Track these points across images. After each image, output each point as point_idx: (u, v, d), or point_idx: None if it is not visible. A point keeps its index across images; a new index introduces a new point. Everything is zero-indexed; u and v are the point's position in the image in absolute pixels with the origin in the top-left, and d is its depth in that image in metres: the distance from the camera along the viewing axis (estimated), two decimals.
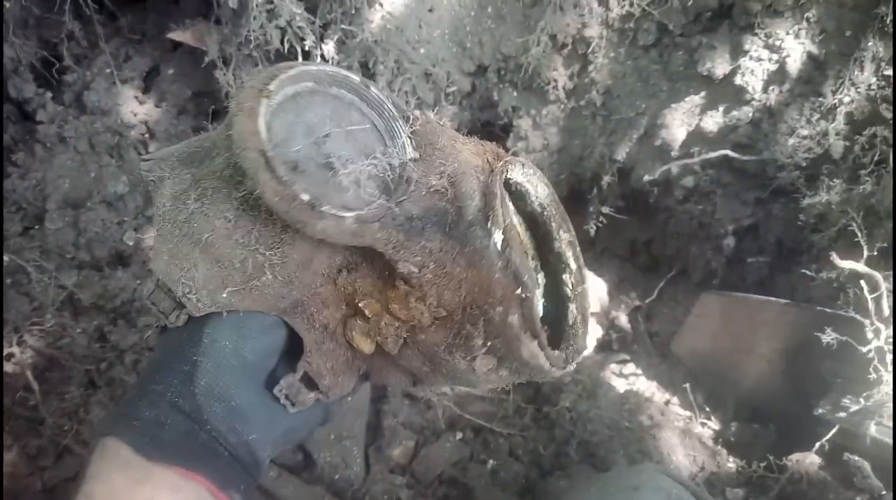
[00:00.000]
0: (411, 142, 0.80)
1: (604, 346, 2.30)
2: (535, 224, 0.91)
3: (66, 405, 2.02)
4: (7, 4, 2.30)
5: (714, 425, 1.98)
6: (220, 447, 0.76)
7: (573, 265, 0.88)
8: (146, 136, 2.58)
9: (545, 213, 0.89)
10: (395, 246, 0.76)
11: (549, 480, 1.80)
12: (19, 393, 2.01)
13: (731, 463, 1.84)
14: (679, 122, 1.98)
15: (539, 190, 0.88)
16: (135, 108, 2.56)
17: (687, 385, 2.00)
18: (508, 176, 0.82)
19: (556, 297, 0.88)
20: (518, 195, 0.88)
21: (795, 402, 1.82)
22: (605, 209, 2.22)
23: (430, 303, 0.77)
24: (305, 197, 0.72)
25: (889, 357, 1.54)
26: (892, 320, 1.56)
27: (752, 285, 2.07)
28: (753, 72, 1.85)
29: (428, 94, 2.24)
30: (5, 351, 2.03)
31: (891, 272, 1.57)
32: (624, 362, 2.24)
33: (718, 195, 2.00)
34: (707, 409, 2.02)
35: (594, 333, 2.15)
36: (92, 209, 2.33)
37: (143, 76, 2.62)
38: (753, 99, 1.87)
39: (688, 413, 2.02)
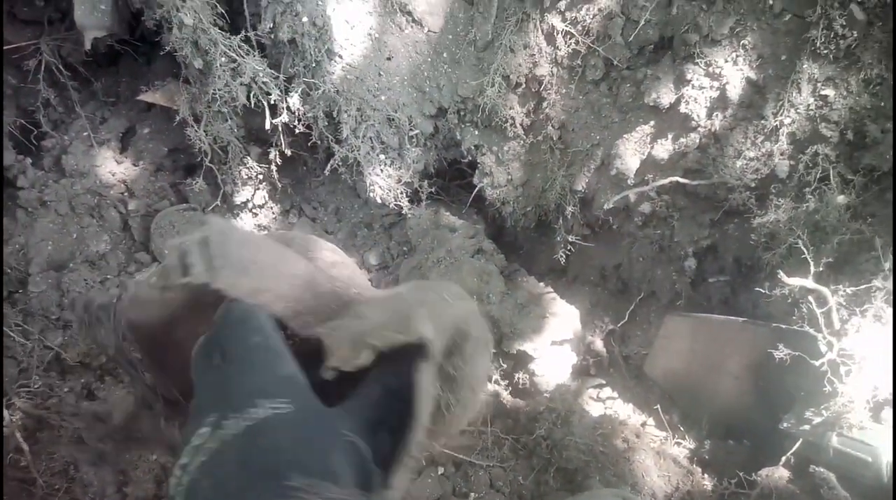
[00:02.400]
0: None
1: (580, 371, 2.34)
2: None
3: (55, 465, 2.06)
4: None
5: (689, 444, 2.01)
6: None
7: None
8: (125, 194, 2.65)
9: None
10: None
11: None
12: (10, 455, 2.05)
13: (706, 481, 1.87)
14: (632, 151, 2.04)
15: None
16: (113, 168, 2.64)
17: (658, 407, 2.04)
18: None
19: None
20: None
21: (765, 416, 1.86)
22: (572, 238, 2.28)
23: None
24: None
25: (843, 369, 1.58)
26: (842, 332, 1.60)
27: (717, 303, 2.12)
28: (697, 100, 1.92)
29: (392, 138, 2.31)
30: None
31: (839, 287, 1.61)
32: (600, 386, 2.28)
33: (675, 219, 2.06)
34: (682, 428, 2.05)
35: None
36: (74, 270, 2.40)
37: (119, 137, 2.70)
38: (699, 125, 1.94)
39: (663, 434, 2.05)
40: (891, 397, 1.57)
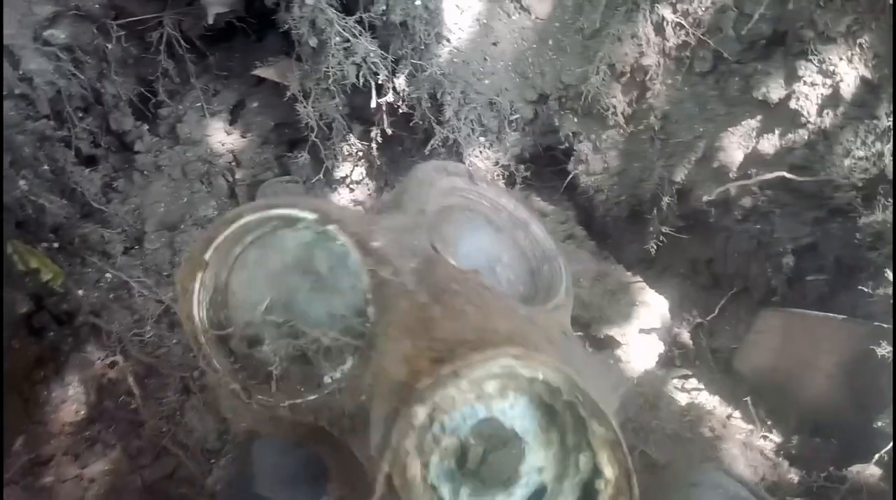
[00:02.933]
0: (368, 301, 0.72)
1: (665, 362, 2.36)
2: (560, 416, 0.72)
3: (163, 409, 2.20)
4: (109, 46, 2.54)
5: (775, 438, 2.02)
6: None
7: (610, 473, 0.67)
8: (233, 164, 2.79)
9: (564, 399, 0.69)
10: (338, 435, 0.74)
11: None
12: (121, 397, 2.21)
13: (792, 474, 1.88)
14: (736, 144, 2.05)
15: (547, 375, 0.68)
16: (223, 138, 2.78)
17: (748, 399, 2.05)
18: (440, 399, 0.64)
19: (589, 490, 0.70)
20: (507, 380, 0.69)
21: (856, 415, 1.86)
22: (665, 229, 2.30)
23: None
24: (236, 387, 0.74)
25: None
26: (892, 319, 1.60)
27: (812, 302, 2.11)
28: (808, 96, 1.92)
29: (492, 121, 2.37)
30: (109, 360, 2.23)
31: None
32: (686, 377, 2.30)
33: (777, 215, 2.06)
34: (768, 422, 2.06)
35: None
36: (185, 231, 2.54)
37: (230, 109, 2.84)
38: (809, 122, 1.93)
39: (749, 427, 2.06)
40: None
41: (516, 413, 0.69)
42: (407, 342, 0.66)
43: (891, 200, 1.78)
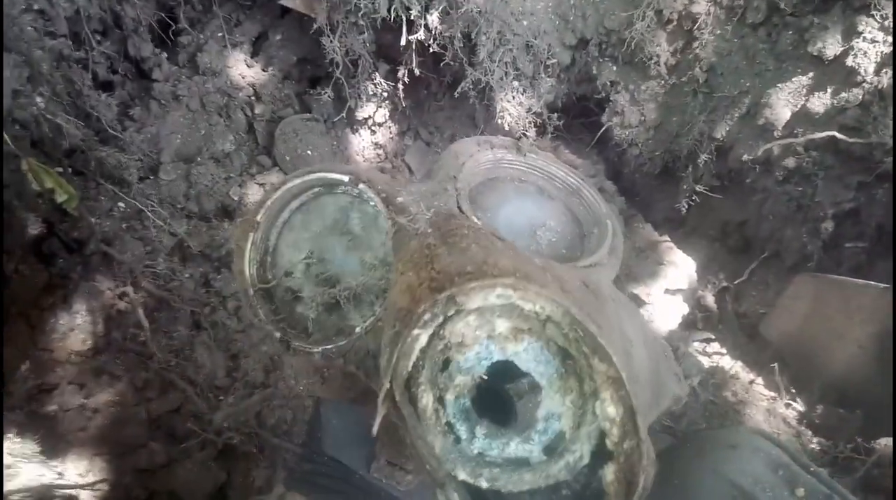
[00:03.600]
0: (391, 242, 0.82)
1: (688, 324, 2.30)
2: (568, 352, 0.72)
3: (173, 343, 2.16)
4: None
5: (799, 406, 1.97)
6: (373, 488, 0.96)
7: (613, 412, 0.66)
8: (252, 98, 2.69)
9: (570, 336, 0.69)
10: (364, 378, 0.82)
11: None
12: (130, 329, 2.16)
13: (815, 444, 1.83)
14: (784, 102, 1.96)
15: (545, 307, 0.68)
16: (243, 71, 2.68)
17: (775, 365, 1.99)
18: (444, 318, 0.66)
19: (602, 448, 0.69)
20: (507, 312, 0.69)
21: (886, 388, 1.80)
22: (699, 188, 2.22)
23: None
24: (277, 335, 0.84)
25: None
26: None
27: (847, 270, 2.04)
28: (866, 53, 1.82)
29: (528, 65, 2.27)
30: (119, 290, 2.18)
31: None
32: (708, 340, 2.24)
33: (820, 178, 1.97)
34: (793, 390, 2.00)
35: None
36: (202, 164, 2.47)
37: (252, 41, 2.74)
38: (865, 81, 1.84)
39: (772, 394, 2.01)
40: None
41: (531, 357, 0.70)
42: (412, 274, 0.71)
43: None
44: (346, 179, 0.84)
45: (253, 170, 2.59)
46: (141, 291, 2.20)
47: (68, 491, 1.88)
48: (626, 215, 2.43)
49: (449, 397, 0.68)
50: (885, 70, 1.81)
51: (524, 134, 2.34)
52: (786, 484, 1.11)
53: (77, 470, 1.94)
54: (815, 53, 1.88)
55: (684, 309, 2.23)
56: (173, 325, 2.19)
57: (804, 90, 1.93)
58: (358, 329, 0.81)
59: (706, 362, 2.14)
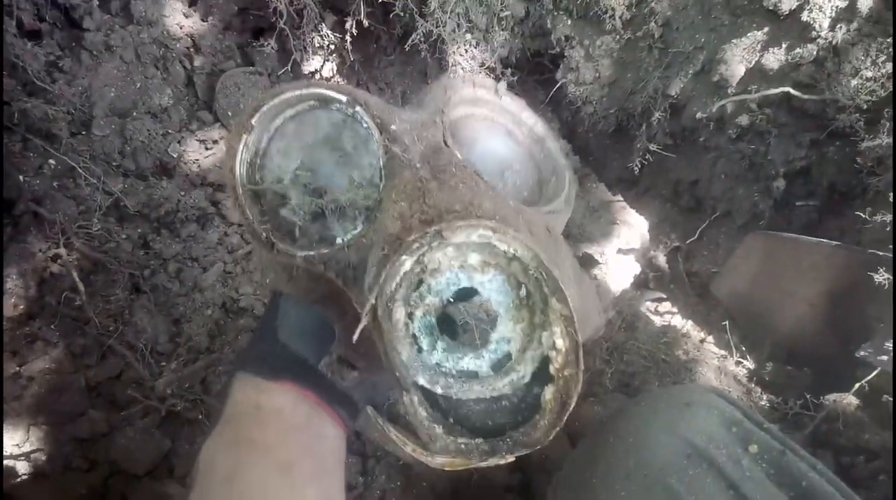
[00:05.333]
0: (381, 175, 0.85)
1: (640, 284, 2.30)
2: (532, 287, 0.81)
3: (110, 307, 2.06)
4: None
5: (749, 364, 1.99)
6: (321, 376, 1.00)
7: (561, 344, 0.76)
8: (191, 50, 2.56)
9: (532, 274, 0.78)
10: (342, 285, 0.85)
11: (582, 405, 1.82)
12: (65, 293, 2.05)
13: (765, 401, 1.85)
14: (739, 58, 1.93)
15: (517, 250, 0.77)
16: (181, 20, 2.54)
17: (726, 323, 2.00)
18: (427, 249, 0.75)
19: (546, 363, 0.79)
20: (483, 251, 0.79)
21: (835, 345, 1.83)
22: (653, 147, 2.19)
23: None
24: (262, 235, 0.86)
25: None
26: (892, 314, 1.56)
27: (798, 228, 2.05)
28: (822, 8, 1.80)
29: (480, 17, 2.19)
30: (52, 252, 2.06)
31: None
32: (660, 300, 2.25)
33: (773, 135, 1.96)
34: (743, 349, 2.02)
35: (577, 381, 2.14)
36: (138, 119, 2.34)
37: None
38: (819, 37, 1.82)
39: (723, 352, 2.03)
40: None
41: (493, 288, 0.79)
42: (403, 204, 0.78)
43: None
44: (343, 99, 0.85)
45: (193, 126, 2.47)
46: (75, 252, 2.08)
47: (5, 462, 1.80)
48: (581, 175, 2.40)
49: (418, 313, 0.79)
50: (839, 26, 1.79)
51: (501, 75, 2.27)
52: (739, 441, 1.11)
53: (13, 441, 1.85)
54: (771, 8, 1.85)
55: (636, 269, 2.23)
56: (111, 288, 2.09)
57: (759, 46, 1.91)
58: (339, 240, 0.85)
59: (658, 321, 2.15)
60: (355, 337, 0.72)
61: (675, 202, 2.40)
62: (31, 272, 2.03)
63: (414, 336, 0.79)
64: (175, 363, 2.01)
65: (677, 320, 2.16)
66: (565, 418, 0.75)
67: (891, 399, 1.63)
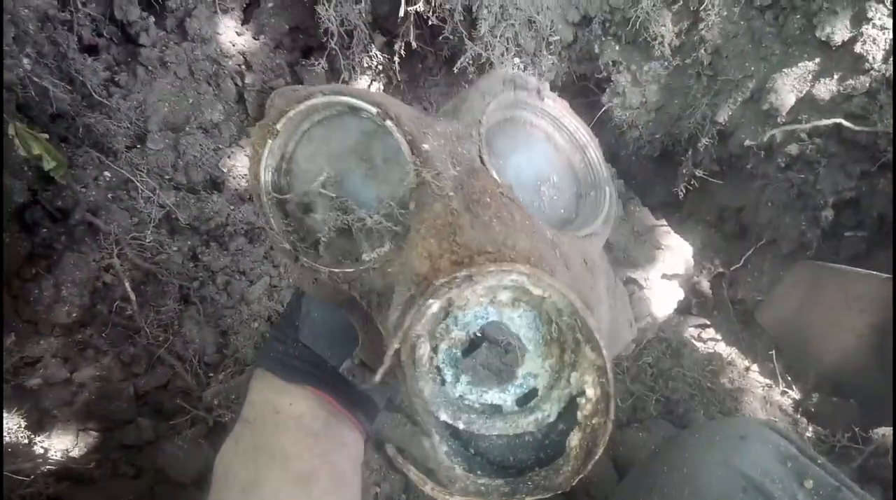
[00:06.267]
0: (412, 195, 0.79)
1: (683, 309, 2.30)
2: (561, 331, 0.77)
3: (160, 318, 2.10)
4: None
5: (794, 395, 1.98)
6: (341, 379, 0.98)
7: (592, 393, 0.73)
8: (243, 67, 2.62)
9: (566, 320, 0.74)
10: (365, 307, 0.82)
11: (627, 431, 1.82)
12: (116, 303, 2.09)
13: (811, 432, 1.84)
14: (789, 87, 1.94)
15: (552, 296, 0.72)
16: (233, 38, 2.60)
17: (772, 353, 1.99)
18: (455, 296, 0.70)
19: (572, 413, 0.75)
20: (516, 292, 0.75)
21: (883, 378, 1.81)
22: (699, 172, 2.20)
23: None
24: (286, 246, 0.83)
25: None
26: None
27: (845, 259, 2.03)
28: (875, 40, 1.80)
29: (529, 42, 2.23)
30: (105, 262, 2.11)
31: None
32: (703, 326, 2.24)
33: (822, 165, 1.96)
34: (788, 378, 2.01)
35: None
36: (190, 134, 2.40)
37: (242, 7, 2.65)
38: (872, 69, 1.82)
39: (768, 381, 2.01)
40: None
41: (523, 323, 0.76)
42: (433, 241, 0.73)
43: None
44: (374, 110, 0.80)
45: (242, 141, 2.52)
46: (127, 263, 2.13)
47: (54, 466, 1.84)
48: (624, 199, 2.40)
49: (443, 346, 0.75)
50: (892, 58, 1.79)
51: (532, 64, 2.29)
52: (795, 476, 1.10)
53: (63, 445, 1.89)
54: (823, 39, 1.86)
55: (680, 294, 2.23)
56: (161, 299, 2.14)
57: (810, 76, 1.91)
58: (365, 257, 0.82)
59: (703, 348, 2.14)
60: (378, 378, 0.69)
61: (720, 228, 2.39)
62: (84, 281, 2.08)
63: (437, 368, 0.76)
64: (222, 374, 2.04)
65: (722, 348, 2.15)
66: (590, 465, 0.71)
67: None
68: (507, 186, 0.84)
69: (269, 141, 0.83)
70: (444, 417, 0.74)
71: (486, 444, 0.76)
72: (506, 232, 0.75)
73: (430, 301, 0.68)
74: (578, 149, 1.15)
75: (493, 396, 0.77)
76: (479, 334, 0.76)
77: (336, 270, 0.81)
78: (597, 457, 0.70)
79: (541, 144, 1.15)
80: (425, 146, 0.80)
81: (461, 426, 0.74)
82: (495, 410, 0.77)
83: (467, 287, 0.69)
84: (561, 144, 1.16)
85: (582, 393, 0.73)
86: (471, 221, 0.74)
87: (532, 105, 1.14)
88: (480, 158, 0.89)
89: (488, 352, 0.82)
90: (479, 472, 0.73)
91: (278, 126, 0.83)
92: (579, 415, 0.73)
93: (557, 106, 1.18)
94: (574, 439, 0.73)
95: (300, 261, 0.84)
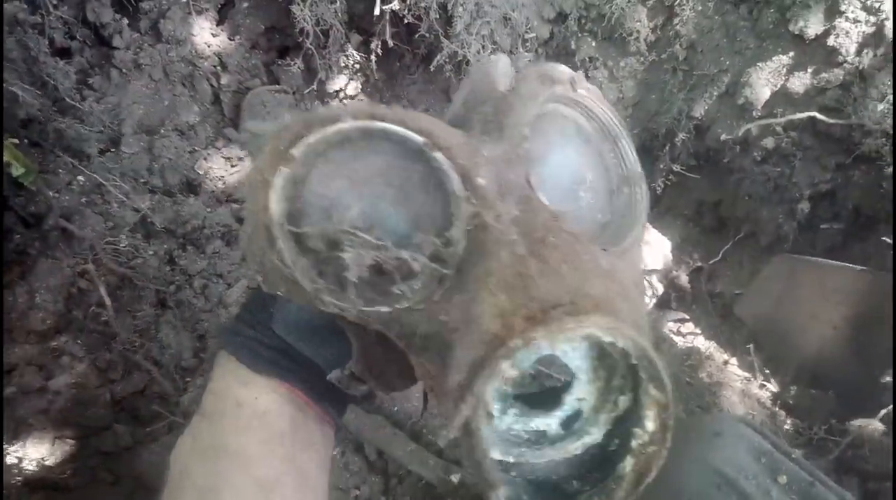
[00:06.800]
0: (469, 238, 0.68)
1: (662, 304, 2.30)
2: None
3: (137, 323, 2.08)
4: None
5: (773, 387, 1.98)
6: (312, 370, 0.90)
7: (650, 427, 0.68)
8: (218, 68, 2.59)
9: (634, 363, 0.68)
10: (405, 348, 0.74)
11: None
12: (92, 308, 2.07)
13: (789, 425, 1.84)
14: (764, 81, 1.94)
15: (623, 343, 0.65)
16: (208, 39, 2.58)
17: (751, 346, 1.99)
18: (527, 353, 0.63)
19: (622, 437, 0.70)
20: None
21: (859, 370, 1.82)
22: (676, 167, 2.20)
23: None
24: (310, 285, 0.71)
25: None
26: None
27: (822, 251, 2.04)
28: (848, 33, 1.81)
29: (505, 39, 2.22)
30: (80, 268, 2.09)
31: None
32: (682, 320, 2.24)
33: (798, 159, 1.97)
34: (766, 371, 2.01)
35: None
36: (165, 136, 2.37)
37: (217, 7, 2.63)
38: (846, 61, 1.83)
39: (746, 375, 2.02)
40: None
41: (577, 356, 0.69)
42: (503, 297, 0.64)
43: None
44: (420, 140, 0.68)
45: (219, 143, 2.50)
46: (102, 268, 2.11)
47: (31, 475, 1.82)
48: None
49: (497, 385, 0.66)
50: (865, 51, 1.80)
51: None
52: (769, 472, 1.10)
53: (39, 453, 1.87)
54: (797, 32, 1.86)
55: (659, 289, 2.23)
56: (137, 304, 2.11)
57: (784, 70, 1.92)
58: (399, 294, 0.72)
59: (681, 342, 2.14)
60: (442, 442, 0.63)
61: (698, 222, 2.40)
62: (59, 287, 2.06)
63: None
64: (200, 379, 2.02)
65: (700, 342, 2.16)
66: (641, 489, 0.66)
67: None
68: (563, 219, 0.72)
69: (283, 169, 0.70)
70: (497, 455, 0.69)
71: (529, 466, 0.72)
72: (577, 278, 0.66)
73: (504, 363, 0.61)
74: (609, 139, 1.09)
75: (538, 422, 0.72)
76: (532, 373, 0.69)
77: (368, 309, 0.71)
78: (649, 480, 0.67)
79: (572, 139, 1.07)
80: (480, 181, 0.69)
81: (512, 460, 0.70)
82: (541, 436, 0.72)
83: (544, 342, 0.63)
84: (591, 133, 1.09)
85: (638, 422, 0.67)
86: (539, 268, 0.65)
87: (565, 97, 1.08)
88: (528, 181, 0.76)
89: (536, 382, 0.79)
90: (521, 488, 0.69)
91: (295, 152, 0.70)
92: (634, 443, 0.67)
93: (590, 94, 1.12)
94: (628, 465, 0.68)
95: (323, 301, 0.72)
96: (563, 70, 1.06)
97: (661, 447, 0.66)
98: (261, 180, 0.71)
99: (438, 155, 0.67)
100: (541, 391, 0.74)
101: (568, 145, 0.93)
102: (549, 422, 0.72)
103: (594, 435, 0.71)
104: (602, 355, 0.70)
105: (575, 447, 0.71)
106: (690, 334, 2.21)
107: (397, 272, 0.71)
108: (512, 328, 0.61)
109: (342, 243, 0.72)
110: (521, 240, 0.67)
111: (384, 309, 0.71)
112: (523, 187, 0.74)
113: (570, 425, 0.73)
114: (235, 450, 0.86)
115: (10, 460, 1.78)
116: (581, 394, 0.71)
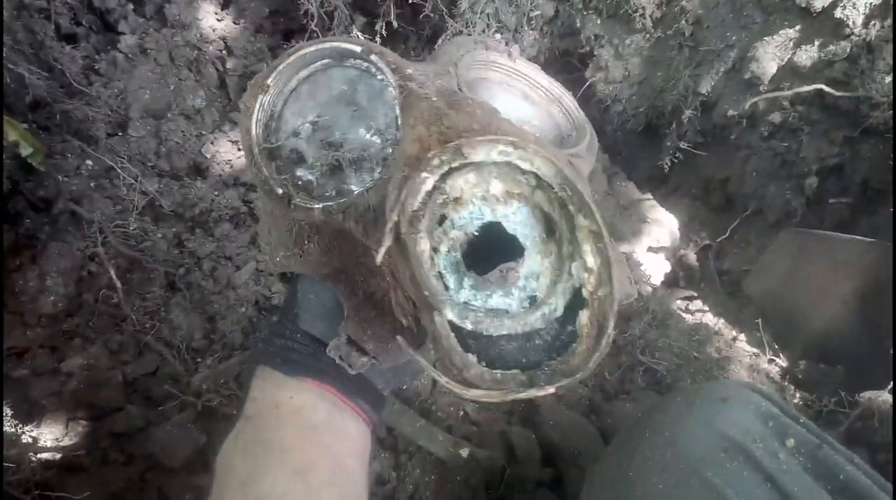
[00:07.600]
0: (396, 121, 0.83)
1: (670, 282, 2.30)
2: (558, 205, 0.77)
3: (147, 305, 2.09)
4: None
5: (781, 362, 1.98)
6: (341, 370, 0.95)
7: (592, 263, 0.72)
8: (223, 52, 2.60)
9: (556, 195, 0.75)
10: (362, 234, 0.82)
11: (615, 402, 1.83)
12: (102, 291, 2.09)
13: (798, 399, 1.84)
14: (770, 55, 1.93)
15: (540, 167, 0.74)
16: (213, 23, 2.58)
17: (758, 321, 1.99)
18: (450, 164, 0.72)
19: (579, 296, 0.76)
20: (508, 171, 0.76)
21: (869, 343, 1.81)
22: (683, 145, 2.19)
23: (399, 291, 0.80)
24: (279, 190, 0.85)
25: None
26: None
27: (831, 226, 2.03)
28: (855, 5, 1.79)
29: (510, 17, 2.21)
30: (90, 251, 2.10)
31: None
32: (691, 298, 2.24)
33: (805, 133, 1.95)
34: (775, 347, 2.01)
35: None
36: (172, 120, 2.38)
37: None
38: (853, 34, 1.81)
39: (755, 350, 2.02)
40: None
41: (518, 220, 0.77)
42: (421, 128, 0.76)
43: None
44: (358, 49, 0.85)
45: (225, 127, 2.50)
46: (112, 251, 2.12)
47: (44, 455, 1.84)
48: (609, 173, 2.40)
49: (442, 249, 0.75)
50: (872, 22, 1.79)
51: (513, 40, 2.28)
52: (776, 435, 1.10)
53: (52, 435, 1.89)
54: (803, 5, 1.85)
55: (667, 267, 2.23)
56: (147, 286, 2.13)
57: (791, 43, 1.90)
58: (356, 190, 0.85)
59: (689, 319, 2.14)
60: (379, 259, 0.70)
61: (706, 200, 2.39)
62: (69, 271, 2.08)
63: (440, 274, 0.75)
64: (210, 360, 2.04)
65: (709, 318, 2.15)
66: (604, 343, 0.70)
67: None
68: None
69: (260, 96, 0.86)
70: (451, 316, 0.72)
71: (496, 350, 0.75)
72: (489, 118, 0.79)
73: (424, 174, 0.71)
74: (555, 101, 1.22)
75: (497, 300, 0.77)
76: (476, 234, 0.77)
77: (330, 202, 0.83)
78: (609, 334, 0.70)
79: (518, 99, 1.20)
80: (409, 70, 0.84)
81: (468, 325, 0.73)
82: (501, 313, 0.76)
83: (458, 168, 0.72)
84: (537, 99, 1.21)
85: (584, 268, 0.72)
86: (455, 111, 0.78)
87: (505, 66, 1.18)
88: (459, 88, 0.94)
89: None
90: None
91: (269, 81, 0.86)
92: (584, 292, 0.73)
93: (529, 67, 1.25)
94: (583, 317, 0.72)
95: (293, 202, 0.85)
96: (497, 42, 1.18)
97: (609, 288, 0.71)
98: (245, 110, 0.87)
99: (374, 56, 0.83)
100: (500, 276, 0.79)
101: (512, 103, 1.15)
102: (510, 302, 0.77)
103: (553, 305, 0.76)
104: (549, 230, 0.77)
105: (534, 318, 0.75)
106: (699, 311, 2.20)
107: (352, 167, 0.87)
108: (428, 149, 0.74)
109: (306, 154, 0.89)
110: (441, 100, 0.79)
111: (343, 199, 0.82)
112: (452, 88, 0.89)
113: (531, 305, 0.77)
114: (273, 443, 0.92)
115: (24, 439, 1.79)
116: (533, 266, 0.78)
